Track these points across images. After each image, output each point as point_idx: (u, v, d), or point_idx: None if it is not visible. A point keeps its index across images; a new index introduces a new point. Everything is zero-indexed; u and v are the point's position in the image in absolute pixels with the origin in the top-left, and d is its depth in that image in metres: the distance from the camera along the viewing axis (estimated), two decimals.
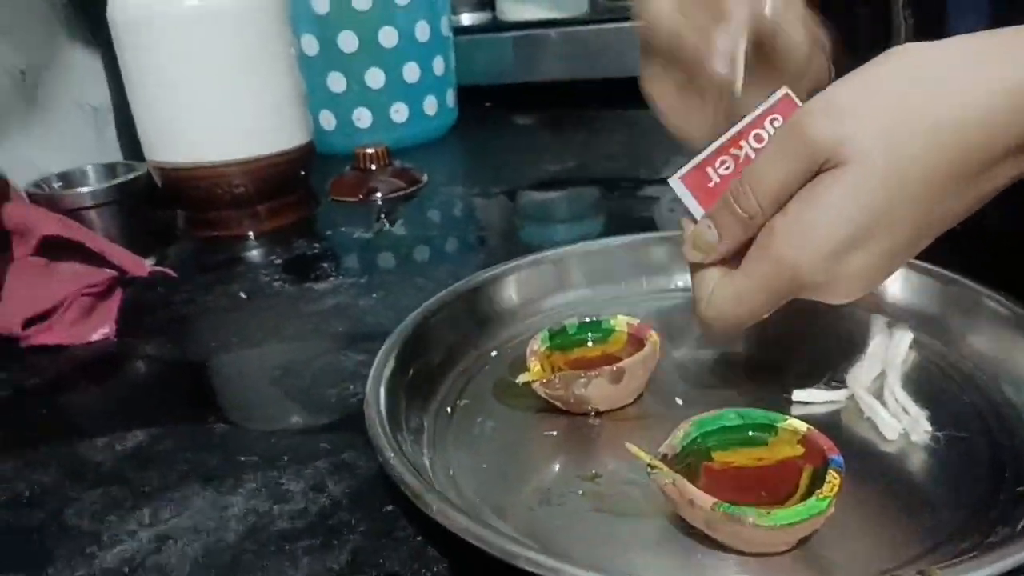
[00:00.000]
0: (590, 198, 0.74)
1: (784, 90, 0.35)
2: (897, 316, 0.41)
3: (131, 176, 0.62)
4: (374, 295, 0.55)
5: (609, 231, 0.64)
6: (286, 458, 0.38)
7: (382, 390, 0.36)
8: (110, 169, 0.64)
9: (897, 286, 0.42)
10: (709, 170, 0.35)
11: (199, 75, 0.63)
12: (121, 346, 0.52)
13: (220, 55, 0.63)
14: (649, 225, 0.64)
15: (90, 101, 0.75)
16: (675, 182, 0.36)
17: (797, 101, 0.34)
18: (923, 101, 0.29)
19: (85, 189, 0.59)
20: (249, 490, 0.36)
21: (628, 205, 0.71)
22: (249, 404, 0.43)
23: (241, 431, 0.41)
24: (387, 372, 0.37)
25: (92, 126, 0.75)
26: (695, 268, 0.35)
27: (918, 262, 0.42)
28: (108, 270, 0.57)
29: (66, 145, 0.72)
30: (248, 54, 0.64)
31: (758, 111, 0.35)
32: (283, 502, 0.35)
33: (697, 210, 0.35)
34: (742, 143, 0.35)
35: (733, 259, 0.34)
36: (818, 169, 0.30)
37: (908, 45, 0.31)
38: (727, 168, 0.35)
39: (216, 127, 0.65)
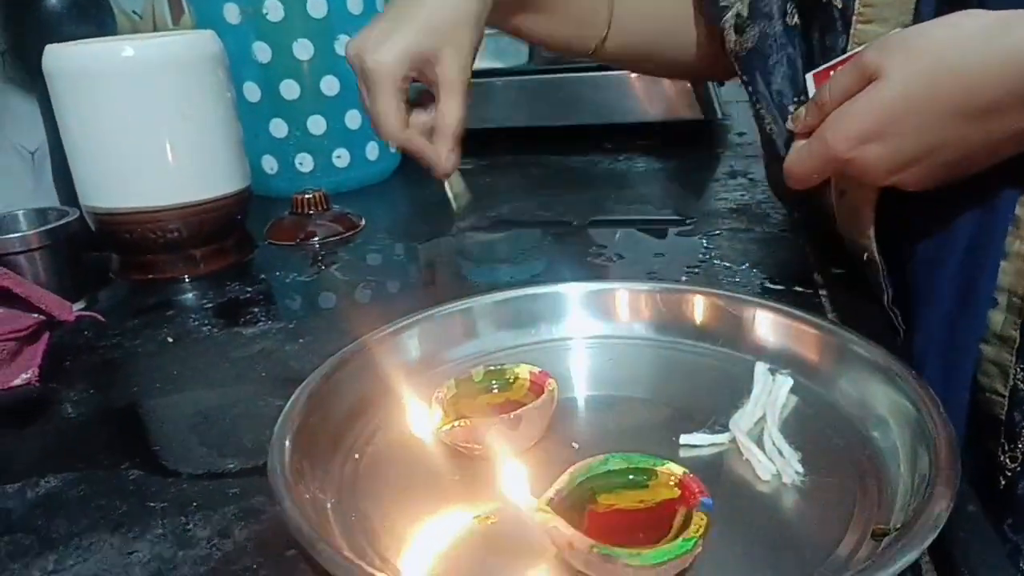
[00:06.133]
0: (525, 242, 0.77)
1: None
2: (778, 363, 0.43)
3: (62, 221, 0.62)
4: (301, 340, 0.56)
5: (542, 275, 0.66)
6: (195, 504, 0.39)
7: (288, 437, 0.37)
8: (41, 214, 0.65)
9: (779, 335, 0.45)
10: (832, 72, 0.46)
11: (133, 124, 0.64)
12: (43, 391, 0.52)
13: (155, 105, 0.64)
14: (581, 267, 0.67)
15: (27, 145, 0.75)
16: (809, 76, 0.49)
17: None
18: (944, 46, 0.39)
19: (14, 235, 0.60)
20: (156, 536, 0.37)
21: (561, 249, 0.73)
22: (166, 450, 0.44)
23: (154, 477, 0.41)
24: (295, 420, 0.38)
25: (30, 170, 0.76)
26: (796, 137, 0.47)
27: (799, 312, 0.46)
28: (35, 315, 0.57)
29: (3, 188, 0.73)
30: (183, 104, 0.65)
31: None
32: (188, 548, 0.36)
33: None
34: None
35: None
36: (867, 82, 0.41)
37: (971, 10, 0.40)
38: None
39: (150, 174, 0.66)
